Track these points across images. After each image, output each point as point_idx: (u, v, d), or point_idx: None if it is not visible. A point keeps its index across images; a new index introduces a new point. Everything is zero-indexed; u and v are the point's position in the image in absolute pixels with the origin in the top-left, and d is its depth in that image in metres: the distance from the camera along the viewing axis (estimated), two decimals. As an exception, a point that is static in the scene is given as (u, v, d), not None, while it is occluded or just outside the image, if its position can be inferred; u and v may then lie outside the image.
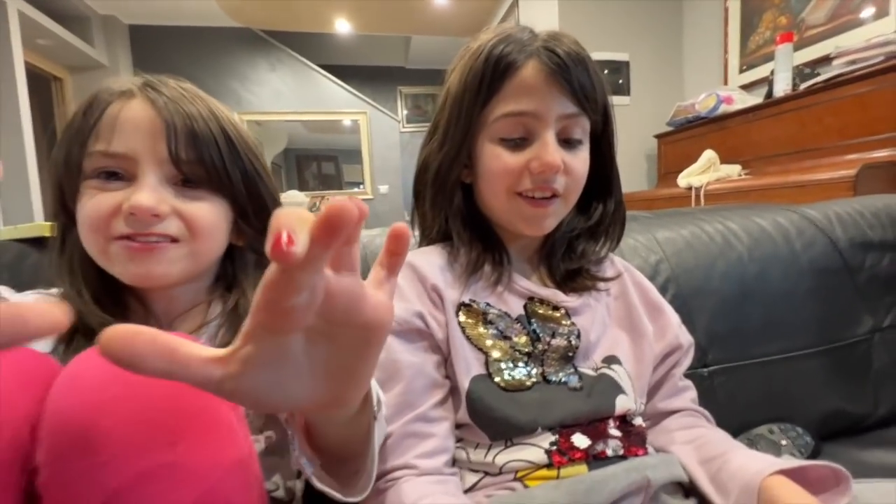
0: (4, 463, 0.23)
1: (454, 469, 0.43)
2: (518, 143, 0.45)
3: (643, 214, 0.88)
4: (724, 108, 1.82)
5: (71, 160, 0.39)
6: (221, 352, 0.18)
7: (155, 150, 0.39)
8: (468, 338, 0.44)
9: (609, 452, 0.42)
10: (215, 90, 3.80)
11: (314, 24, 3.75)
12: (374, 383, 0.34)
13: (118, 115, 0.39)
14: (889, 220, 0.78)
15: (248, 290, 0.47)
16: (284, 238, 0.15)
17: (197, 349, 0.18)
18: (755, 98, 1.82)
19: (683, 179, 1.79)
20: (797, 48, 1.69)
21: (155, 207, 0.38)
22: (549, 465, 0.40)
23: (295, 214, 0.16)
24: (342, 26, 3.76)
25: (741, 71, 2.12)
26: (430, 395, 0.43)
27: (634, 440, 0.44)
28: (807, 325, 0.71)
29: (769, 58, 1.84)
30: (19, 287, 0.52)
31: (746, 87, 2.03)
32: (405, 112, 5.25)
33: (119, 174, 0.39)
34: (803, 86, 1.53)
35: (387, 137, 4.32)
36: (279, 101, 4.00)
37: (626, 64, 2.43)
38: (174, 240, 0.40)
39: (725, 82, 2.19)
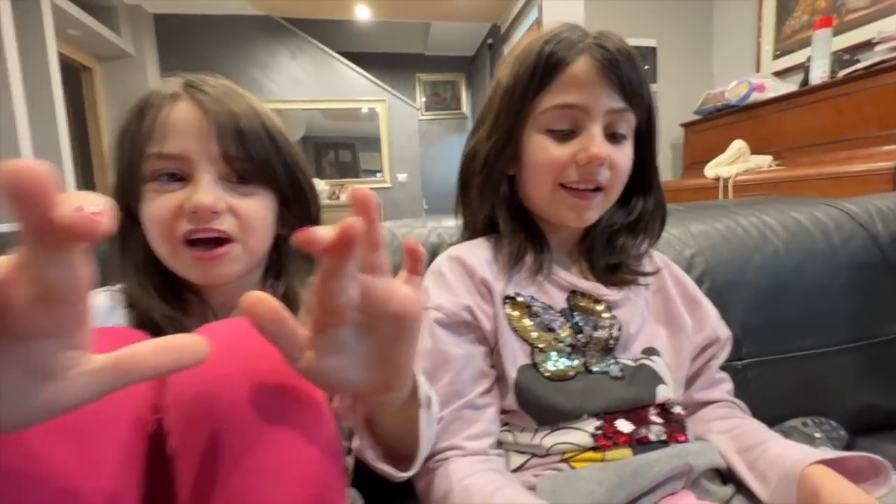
0: (133, 438, 0.27)
1: (499, 450, 0.46)
2: (565, 135, 0.47)
3: (676, 207, 0.88)
4: (755, 97, 1.76)
5: (131, 164, 0.42)
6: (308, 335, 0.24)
7: (207, 150, 0.41)
8: (514, 329, 0.46)
9: (652, 437, 0.44)
10: (237, 78, 3.80)
11: (334, 11, 3.74)
12: (426, 383, 0.36)
13: (168, 117, 0.41)
14: (932, 215, 0.77)
15: (295, 276, 0.49)
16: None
17: (299, 327, 0.24)
18: (789, 86, 1.76)
19: (711, 170, 1.76)
20: (836, 33, 1.63)
21: (214, 205, 0.40)
22: (595, 448, 0.42)
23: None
24: (362, 13, 3.74)
25: (775, 57, 2.05)
26: (477, 385, 0.45)
27: (675, 426, 0.46)
28: (843, 321, 0.71)
29: (805, 43, 1.78)
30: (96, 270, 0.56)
31: (780, 74, 1.96)
32: (424, 100, 5.21)
33: (177, 175, 0.42)
34: (842, 73, 1.47)
35: (405, 125, 4.30)
36: (298, 88, 4.02)
37: (654, 50, 2.36)
38: (229, 238, 0.42)
39: (758, 69, 2.12)
